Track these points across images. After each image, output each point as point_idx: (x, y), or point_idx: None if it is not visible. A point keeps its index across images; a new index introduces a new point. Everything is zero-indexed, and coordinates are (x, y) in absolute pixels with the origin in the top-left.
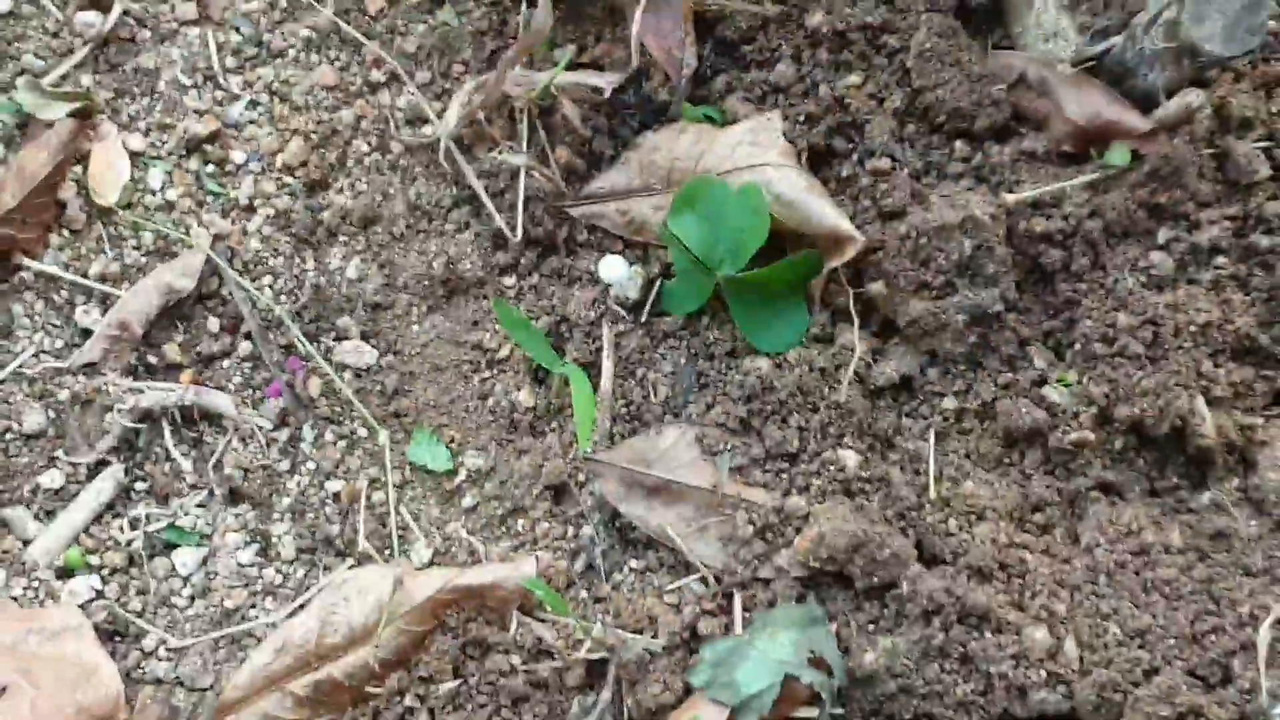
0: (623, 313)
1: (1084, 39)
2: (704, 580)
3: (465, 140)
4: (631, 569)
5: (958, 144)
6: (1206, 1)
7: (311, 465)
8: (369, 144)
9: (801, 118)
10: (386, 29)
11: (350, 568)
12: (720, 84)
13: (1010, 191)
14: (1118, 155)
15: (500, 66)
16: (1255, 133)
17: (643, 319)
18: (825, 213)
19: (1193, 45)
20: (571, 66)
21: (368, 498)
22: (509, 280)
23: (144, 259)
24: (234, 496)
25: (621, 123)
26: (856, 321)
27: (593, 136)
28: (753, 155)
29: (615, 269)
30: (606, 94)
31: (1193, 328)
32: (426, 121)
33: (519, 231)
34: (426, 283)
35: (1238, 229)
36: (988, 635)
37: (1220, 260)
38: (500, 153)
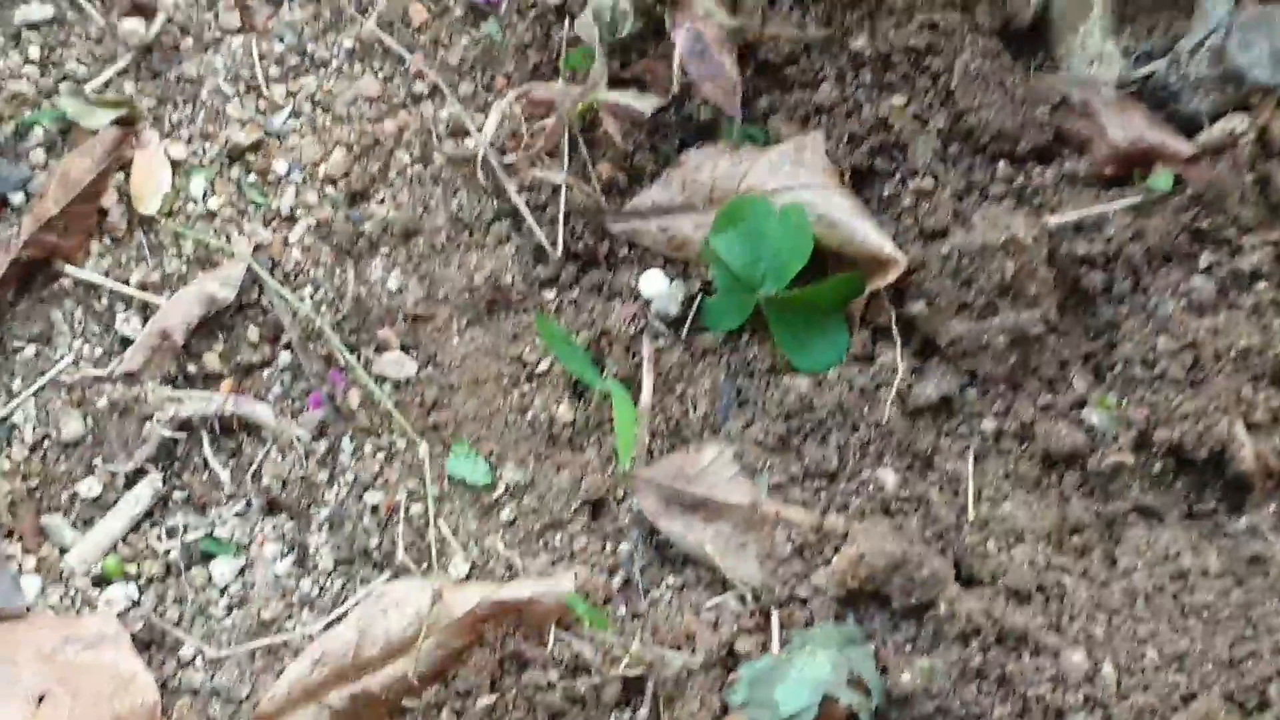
0: (663, 328)
1: (1128, 62)
2: (741, 598)
3: (507, 153)
4: (669, 586)
5: (1000, 165)
6: (1253, 28)
7: (350, 477)
8: (411, 156)
9: (845, 138)
10: (430, 41)
11: (388, 580)
12: (763, 104)
13: (1052, 214)
14: (1160, 180)
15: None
16: None
17: (683, 335)
18: (868, 234)
19: (1238, 72)
20: (613, 82)
21: (406, 510)
22: (549, 294)
23: (185, 268)
24: (272, 507)
25: (663, 139)
26: (899, 342)
27: (634, 152)
28: (795, 175)
29: (656, 284)
30: (647, 116)
31: (1233, 352)
32: (468, 134)
33: (559, 247)
34: (467, 295)
35: (1279, 254)
36: (1025, 657)
37: (1261, 285)
38: (540, 169)
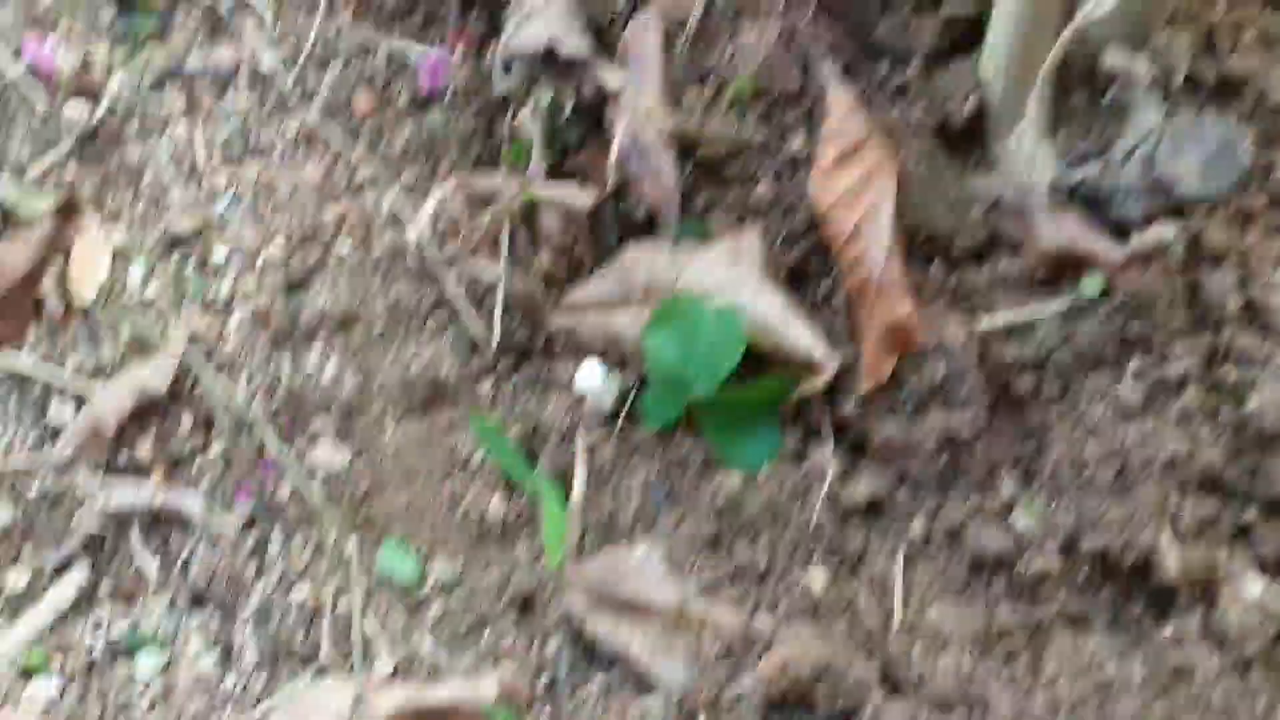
0: (597, 423)
1: (1063, 165)
2: (668, 701)
3: (447, 243)
4: (596, 687)
5: (934, 266)
6: (1183, 138)
7: (278, 571)
8: (351, 244)
9: (782, 236)
10: (374, 129)
11: (312, 678)
12: (701, 200)
13: (985, 316)
14: (1090, 285)
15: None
16: (1228, 266)
17: (617, 430)
18: (800, 337)
19: (1167, 182)
20: (554, 175)
21: (333, 605)
22: (485, 385)
23: (120, 356)
24: (198, 601)
25: (603, 231)
26: (831, 441)
27: (574, 244)
28: (731, 275)
29: (591, 379)
30: (585, 210)
31: (1160, 460)
32: (409, 223)
33: (495, 339)
34: (402, 386)
35: (1207, 361)
36: None
37: (1188, 392)
38: (477, 262)
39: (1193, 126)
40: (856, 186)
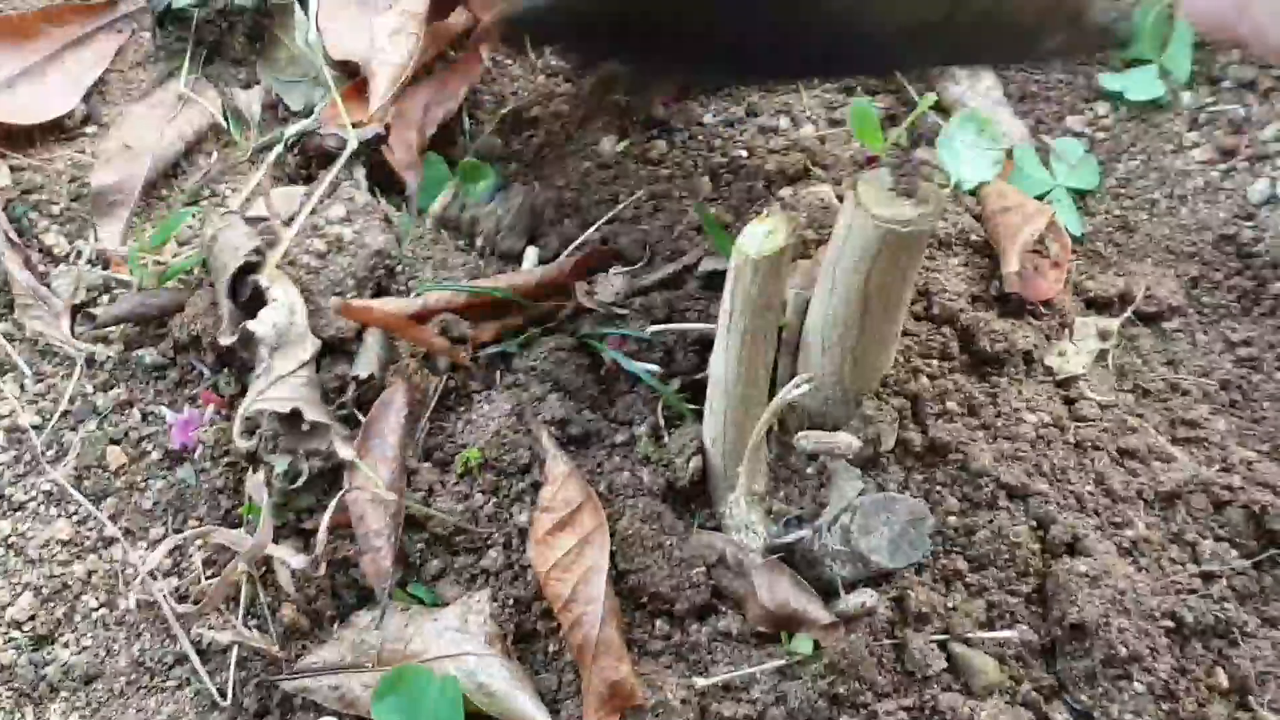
0: None
1: (778, 527)
2: None
3: (194, 599)
4: None
5: (659, 622)
6: (873, 514)
7: None
8: (98, 599)
9: (510, 601)
10: (126, 484)
11: None
12: (433, 567)
13: (705, 672)
14: (801, 644)
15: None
16: (932, 626)
17: None
18: (525, 705)
19: (860, 554)
20: (290, 533)
21: None
22: None
23: None
24: None
25: (343, 586)
26: None
27: (316, 597)
28: (459, 641)
29: None
30: (320, 570)
31: None
32: (153, 579)
33: (230, 697)
34: None
35: (915, 719)
36: None
37: None
38: (211, 621)
39: (881, 503)
40: (572, 552)
